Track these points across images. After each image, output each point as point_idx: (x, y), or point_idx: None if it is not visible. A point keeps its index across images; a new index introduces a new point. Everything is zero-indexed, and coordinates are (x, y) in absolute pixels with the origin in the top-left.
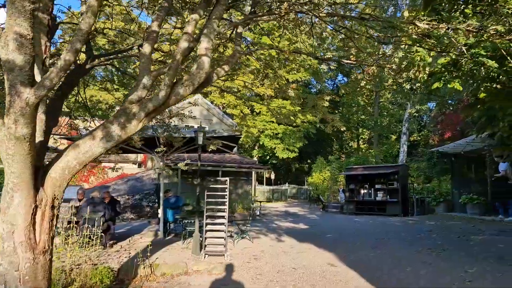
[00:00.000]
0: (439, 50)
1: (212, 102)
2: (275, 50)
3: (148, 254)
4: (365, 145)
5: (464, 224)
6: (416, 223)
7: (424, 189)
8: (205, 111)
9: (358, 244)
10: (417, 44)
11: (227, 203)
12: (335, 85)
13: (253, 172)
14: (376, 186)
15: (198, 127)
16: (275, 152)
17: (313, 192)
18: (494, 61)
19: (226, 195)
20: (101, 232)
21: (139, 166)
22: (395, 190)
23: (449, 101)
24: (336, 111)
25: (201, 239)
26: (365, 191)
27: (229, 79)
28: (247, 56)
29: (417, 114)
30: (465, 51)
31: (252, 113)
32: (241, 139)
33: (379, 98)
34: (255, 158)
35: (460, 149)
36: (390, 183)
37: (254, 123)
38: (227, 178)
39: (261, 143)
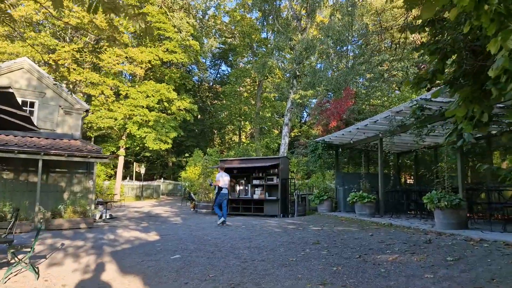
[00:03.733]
0: None
1: (65, 78)
2: None
3: None
4: (247, 139)
5: (358, 230)
6: (298, 228)
7: (304, 185)
8: (35, 81)
9: (212, 277)
10: None
11: None
12: (218, 75)
13: (95, 164)
14: (254, 182)
15: None
16: (145, 142)
17: (188, 188)
18: None
19: None
20: None
21: None
22: (275, 186)
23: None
24: (218, 102)
25: None
26: (241, 187)
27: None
28: None
29: (300, 101)
30: None
31: (118, 95)
32: (100, 125)
33: (262, 89)
34: (122, 150)
35: (349, 138)
36: (270, 178)
37: (119, 107)
38: None
39: (128, 132)
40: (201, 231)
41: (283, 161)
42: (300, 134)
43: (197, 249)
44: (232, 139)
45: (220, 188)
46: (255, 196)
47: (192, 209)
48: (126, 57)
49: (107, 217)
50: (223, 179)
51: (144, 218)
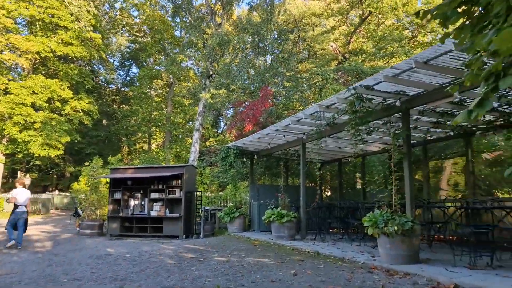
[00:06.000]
0: None
1: None
2: None
3: None
4: (159, 147)
5: (275, 264)
6: (198, 258)
7: (217, 198)
8: None
9: None
10: None
11: None
12: (127, 77)
13: None
14: (152, 196)
15: None
16: (30, 148)
17: (83, 202)
18: None
19: None
20: None
21: None
22: (178, 201)
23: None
24: (126, 106)
25: None
26: (137, 202)
27: None
28: None
29: (212, 102)
30: None
31: None
32: None
33: (174, 92)
34: (1, 156)
35: (266, 143)
36: (171, 191)
37: None
38: None
39: (8, 135)
40: (65, 265)
41: (188, 170)
42: (215, 143)
43: None
44: (143, 148)
45: (16, 206)
46: (153, 213)
47: (77, 228)
48: (7, 45)
49: None
50: (21, 196)
51: (0, 243)
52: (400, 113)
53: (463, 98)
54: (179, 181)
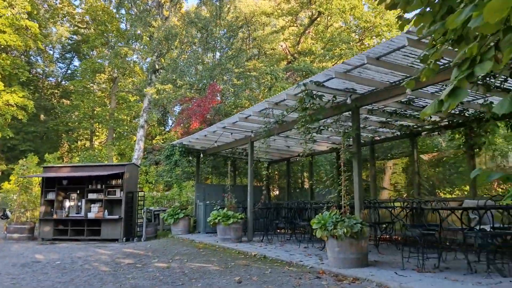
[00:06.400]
0: None
1: None
2: None
3: None
4: (101, 145)
5: (219, 270)
6: (136, 264)
7: (163, 198)
8: None
9: None
10: None
11: None
12: (68, 70)
13: None
14: (90, 196)
15: None
16: None
17: (12, 203)
18: None
19: None
20: None
21: None
22: (118, 201)
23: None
24: (65, 101)
25: None
26: (73, 203)
27: None
28: None
29: (158, 97)
30: None
31: None
32: None
33: (118, 87)
34: None
35: (213, 141)
36: (111, 192)
37: None
38: None
39: None
40: None
41: (130, 169)
42: (162, 141)
43: None
44: (85, 145)
45: None
46: (91, 215)
47: (4, 232)
48: None
49: None
50: None
51: None
52: (350, 112)
53: (412, 98)
54: (120, 181)
